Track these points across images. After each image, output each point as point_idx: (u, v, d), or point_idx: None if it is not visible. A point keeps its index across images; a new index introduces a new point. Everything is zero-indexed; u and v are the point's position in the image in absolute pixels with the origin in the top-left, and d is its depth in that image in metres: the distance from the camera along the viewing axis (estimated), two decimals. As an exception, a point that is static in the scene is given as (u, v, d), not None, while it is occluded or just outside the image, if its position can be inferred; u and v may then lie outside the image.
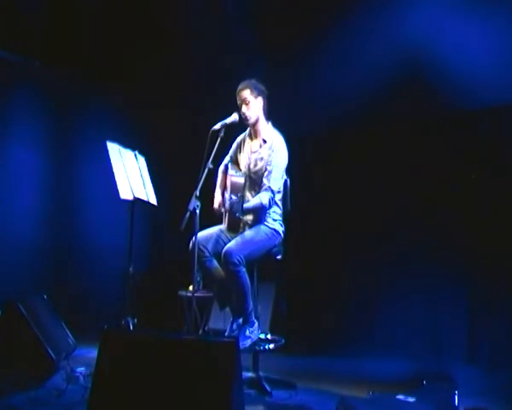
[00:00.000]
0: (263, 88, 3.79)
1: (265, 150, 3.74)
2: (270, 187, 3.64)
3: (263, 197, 3.62)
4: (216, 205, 3.84)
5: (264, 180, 3.66)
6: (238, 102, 3.73)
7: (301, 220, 4.69)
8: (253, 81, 3.78)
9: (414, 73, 4.50)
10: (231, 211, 3.45)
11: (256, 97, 3.73)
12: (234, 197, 3.43)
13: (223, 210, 3.78)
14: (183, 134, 5.25)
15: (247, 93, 3.72)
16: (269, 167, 3.67)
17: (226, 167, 3.87)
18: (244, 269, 3.50)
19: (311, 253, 5.06)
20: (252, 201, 3.65)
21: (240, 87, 3.76)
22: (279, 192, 3.76)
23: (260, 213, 3.69)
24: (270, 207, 3.69)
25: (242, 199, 3.49)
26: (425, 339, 4.60)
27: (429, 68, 4.44)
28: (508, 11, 4.17)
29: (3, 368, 3.52)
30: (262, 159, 3.73)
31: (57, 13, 5.21)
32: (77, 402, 3.24)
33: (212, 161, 3.45)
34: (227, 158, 3.97)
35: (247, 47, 5.04)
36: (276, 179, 3.67)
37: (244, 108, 3.72)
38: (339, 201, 5.01)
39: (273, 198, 3.67)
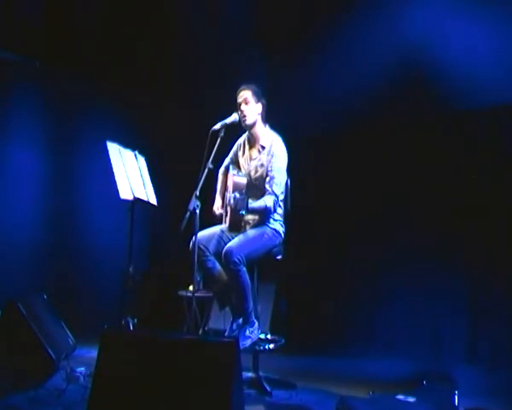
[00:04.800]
0: (262, 97, 3.79)
1: (265, 156, 3.75)
2: (273, 192, 3.65)
3: (267, 200, 3.61)
4: (215, 208, 3.91)
5: (267, 186, 3.66)
6: (238, 101, 3.74)
7: (301, 220, 4.68)
8: (255, 87, 3.79)
9: (414, 73, 4.50)
10: (235, 208, 3.41)
11: (256, 102, 3.75)
12: (238, 195, 3.41)
13: (223, 211, 3.81)
14: (183, 134, 5.25)
15: (248, 93, 3.74)
16: (270, 173, 3.67)
17: (227, 168, 3.92)
18: (244, 269, 3.50)
19: (311, 253, 5.05)
20: (257, 202, 3.63)
21: (242, 87, 3.78)
22: (282, 193, 3.76)
23: (263, 214, 3.69)
24: (275, 210, 3.70)
25: (247, 197, 3.47)
26: (425, 339, 4.60)
27: (429, 68, 4.44)
28: (508, 11, 4.17)
29: (3, 368, 3.52)
30: (262, 165, 3.74)
31: (57, 13, 5.22)
32: (77, 402, 3.23)
33: (212, 161, 3.46)
34: (227, 160, 4.00)
35: (247, 47, 5.04)
36: (279, 184, 3.68)
37: (244, 107, 3.73)
38: (339, 201, 5.00)
39: (277, 202, 3.68)
